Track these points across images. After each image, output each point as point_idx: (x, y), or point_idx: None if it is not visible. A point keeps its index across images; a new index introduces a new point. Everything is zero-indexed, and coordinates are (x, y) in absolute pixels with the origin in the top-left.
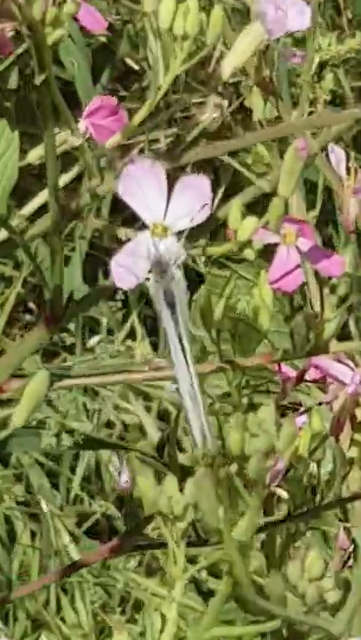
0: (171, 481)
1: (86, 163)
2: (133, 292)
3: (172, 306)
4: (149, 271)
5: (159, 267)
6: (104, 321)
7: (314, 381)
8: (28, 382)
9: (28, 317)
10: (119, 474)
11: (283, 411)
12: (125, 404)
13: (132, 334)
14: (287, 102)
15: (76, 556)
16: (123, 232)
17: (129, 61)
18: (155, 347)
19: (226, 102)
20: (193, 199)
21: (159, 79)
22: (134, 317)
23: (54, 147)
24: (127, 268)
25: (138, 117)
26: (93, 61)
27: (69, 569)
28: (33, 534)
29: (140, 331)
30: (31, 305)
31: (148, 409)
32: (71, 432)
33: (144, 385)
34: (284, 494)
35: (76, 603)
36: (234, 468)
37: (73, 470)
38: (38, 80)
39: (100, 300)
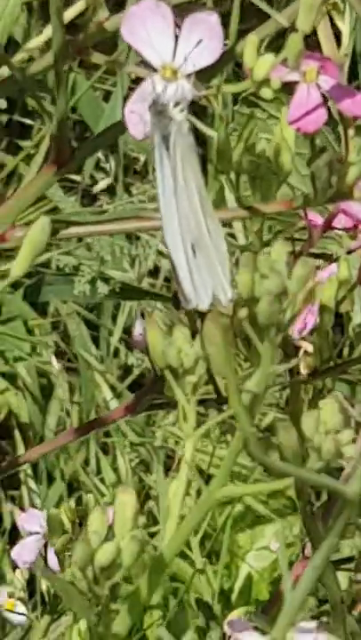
0: (180, 332)
1: None
2: None
3: (166, 143)
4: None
5: (156, 107)
6: (142, 159)
7: (346, 230)
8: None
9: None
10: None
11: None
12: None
13: None
14: None
15: None
16: (132, 69)
17: None
18: None
19: None
20: (203, 38)
21: None
22: None
23: None
24: (139, 114)
25: None
26: None
27: (83, 429)
28: (71, 389)
29: None
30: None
31: None
32: (107, 280)
33: None
34: (309, 348)
35: (118, 462)
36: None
37: (115, 321)
38: None
39: (114, 138)
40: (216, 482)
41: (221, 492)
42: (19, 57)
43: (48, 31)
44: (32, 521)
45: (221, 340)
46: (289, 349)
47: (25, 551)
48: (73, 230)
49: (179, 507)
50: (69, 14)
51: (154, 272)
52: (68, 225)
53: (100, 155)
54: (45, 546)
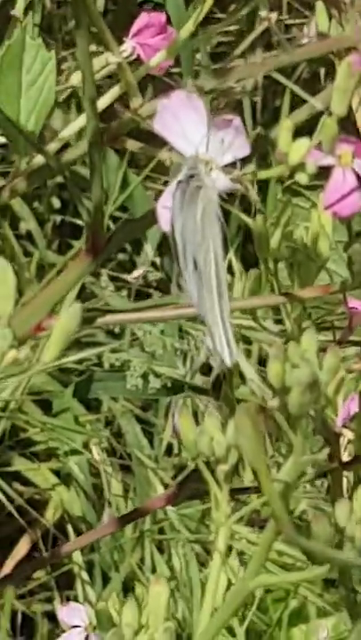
0: (211, 420)
1: (127, 82)
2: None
3: (187, 205)
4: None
5: (188, 173)
6: None
7: None
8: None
9: (120, 257)
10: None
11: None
12: None
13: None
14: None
15: (171, 510)
16: (166, 155)
17: None
18: None
19: (274, 15)
20: (229, 137)
21: None
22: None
23: (90, 63)
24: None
25: (184, 32)
26: None
27: (124, 519)
28: (125, 488)
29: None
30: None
31: (247, 353)
32: (159, 376)
33: (243, 328)
34: (350, 435)
35: (173, 560)
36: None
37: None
38: None
39: (150, 225)
40: (249, 571)
41: (255, 582)
42: (53, 146)
43: (82, 119)
44: (73, 614)
45: (252, 430)
46: (330, 436)
47: None
48: (111, 318)
49: (212, 596)
50: (103, 102)
51: (206, 369)
52: (105, 313)
53: (150, 252)
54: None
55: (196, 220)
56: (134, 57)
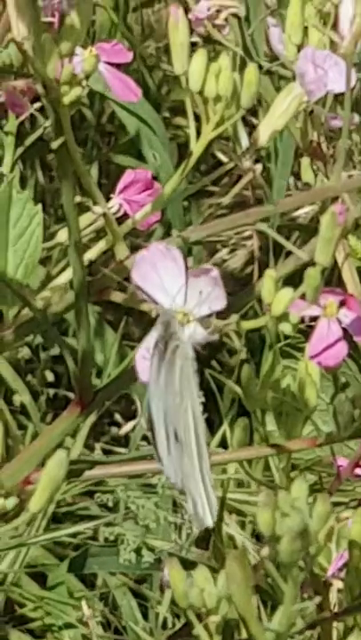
0: (202, 572)
1: (113, 233)
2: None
3: (161, 369)
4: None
5: (164, 332)
6: None
7: None
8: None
9: (114, 430)
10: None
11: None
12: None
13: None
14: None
15: None
16: (147, 306)
17: (219, 154)
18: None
19: (259, 166)
20: (207, 288)
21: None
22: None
23: (75, 213)
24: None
25: (168, 189)
26: (180, 155)
27: None
28: None
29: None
30: (118, 417)
31: (242, 525)
32: (153, 549)
33: (236, 502)
34: (339, 585)
35: None
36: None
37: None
38: (56, 144)
39: (134, 380)
40: None
41: None
42: (42, 295)
43: (69, 272)
44: None
45: (243, 579)
46: (319, 587)
47: None
48: (100, 471)
49: None
50: (90, 255)
51: (202, 539)
52: (93, 465)
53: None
54: None
55: (175, 385)
56: (122, 213)
